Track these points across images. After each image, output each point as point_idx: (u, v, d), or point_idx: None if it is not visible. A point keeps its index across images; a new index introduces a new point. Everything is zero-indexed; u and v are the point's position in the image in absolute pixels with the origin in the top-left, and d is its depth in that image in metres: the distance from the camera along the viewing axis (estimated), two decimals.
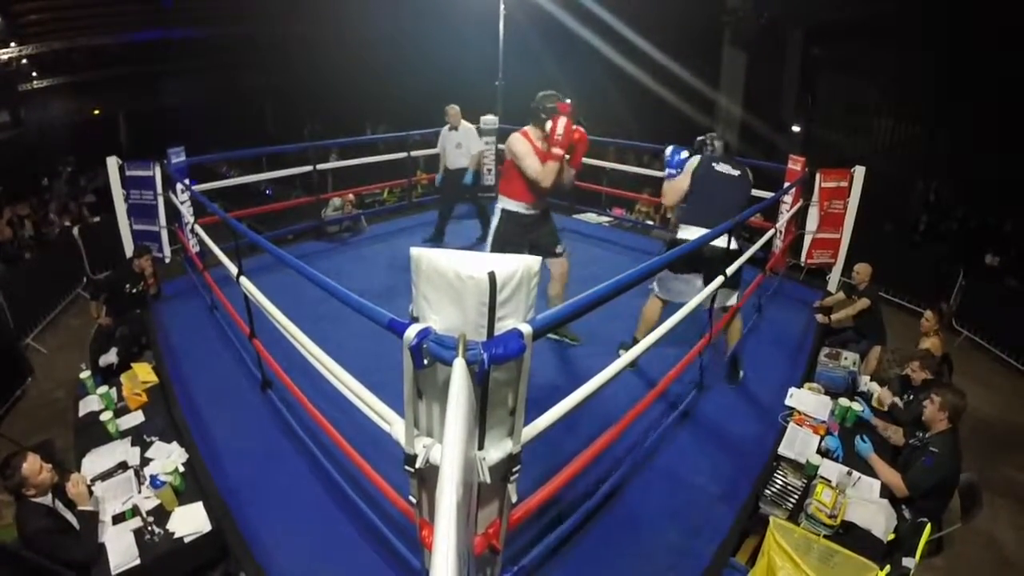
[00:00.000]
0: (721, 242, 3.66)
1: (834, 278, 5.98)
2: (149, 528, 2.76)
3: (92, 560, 2.58)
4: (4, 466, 2.64)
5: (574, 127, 3.94)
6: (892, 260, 7.78)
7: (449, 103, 6.55)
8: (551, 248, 4.27)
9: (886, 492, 3.12)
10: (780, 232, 5.78)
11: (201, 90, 17.80)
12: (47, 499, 2.70)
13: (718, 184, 3.91)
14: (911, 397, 3.82)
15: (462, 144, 6.51)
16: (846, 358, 4.26)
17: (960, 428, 3.23)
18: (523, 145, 3.98)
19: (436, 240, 6.67)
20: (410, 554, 2.54)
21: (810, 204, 5.90)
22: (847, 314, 4.98)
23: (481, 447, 1.70)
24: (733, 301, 4.05)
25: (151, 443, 3.37)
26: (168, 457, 3.17)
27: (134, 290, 4.95)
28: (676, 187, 4.04)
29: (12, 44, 14.03)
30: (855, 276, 5.14)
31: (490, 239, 4.23)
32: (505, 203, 4.14)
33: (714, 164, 3.95)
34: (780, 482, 3.11)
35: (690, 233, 3.86)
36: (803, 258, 6.16)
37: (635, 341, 4.05)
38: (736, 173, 3.95)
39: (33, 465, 2.63)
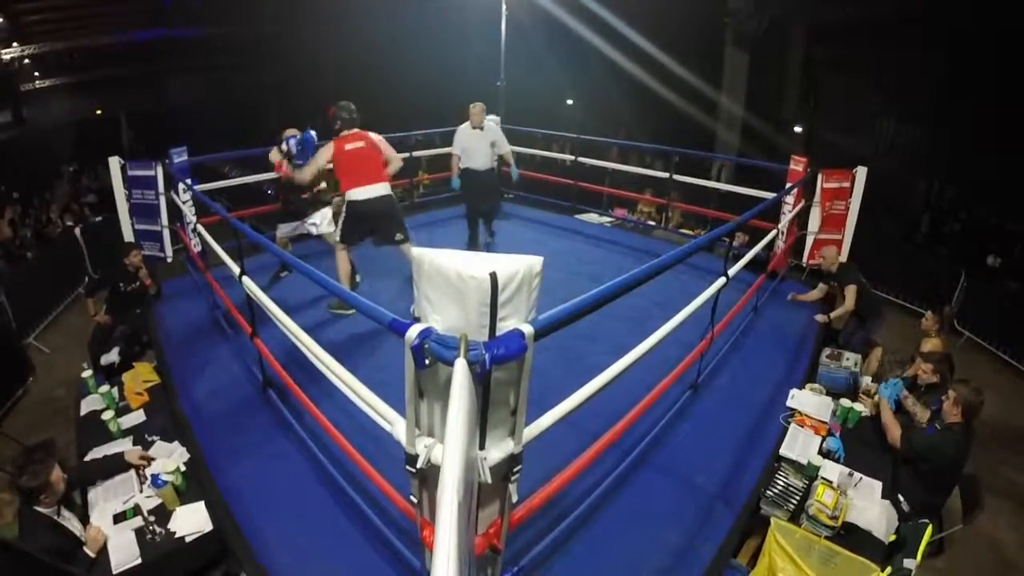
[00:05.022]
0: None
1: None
2: (150, 527, 2.77)
3: None
4: (29, 463, 2.62)
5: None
6: (894, 261, 7.79)
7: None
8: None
9: (887, 493, 3.12)
10: (782, 233, 5.77)
11: (203, 89, 17.83)
12: (52, 510, 2.69)
13: None
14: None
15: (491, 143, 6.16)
16: (847, 359, 4.25)
17: (974, 427, 3.27)
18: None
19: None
20: (411, 554, 2.54)
21: (812, 205, 5.90)
22: (847, 309, 4.95)
23: (482, 447, 1.70)
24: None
25: (152, 442, 3.37)
26: (169, 456, 3.17)
27: (129, 288, 4.95)
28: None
29: (14, 44, 14.07)
30: (823, 261, 5.16)
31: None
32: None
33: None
34: (781, 483, 3.11)
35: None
36: (805, 259, 6.15)
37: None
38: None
39: (58, 473, 2.68)
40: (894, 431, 3.42)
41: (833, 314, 5.05)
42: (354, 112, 4.66)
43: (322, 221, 5.31)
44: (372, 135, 4.70)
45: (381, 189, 4.66)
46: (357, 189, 4.58)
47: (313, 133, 5.03)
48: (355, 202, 4.60)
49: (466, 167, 6.13)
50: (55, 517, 2.70)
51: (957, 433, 3.20)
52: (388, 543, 2.66)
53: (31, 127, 15.44)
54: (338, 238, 4.76)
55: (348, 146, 4.58)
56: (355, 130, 4.66)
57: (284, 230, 5.33)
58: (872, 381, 4.11)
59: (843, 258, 5.88)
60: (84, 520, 2.87)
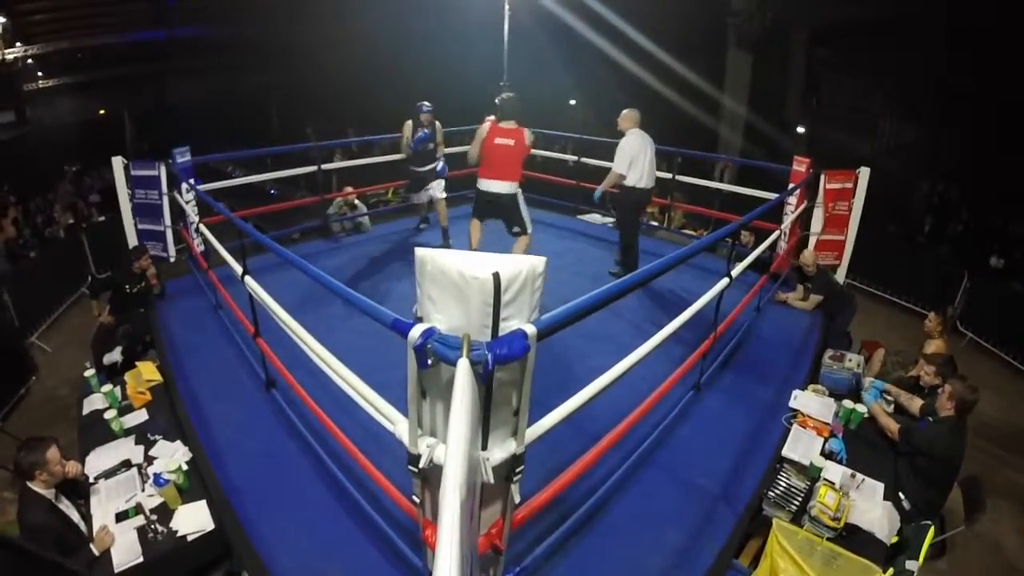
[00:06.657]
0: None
1: (838, 279, 5.97)
2: (152, 526, 2.77)
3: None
4: (28, 440, 2.71)
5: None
6: (897, 262, 7.77)
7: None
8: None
9: (889, 494, 3.12)
10: (784, 233, 5.76)
11: (206, 89, 17.86)
12: (50, 493, 2.73)
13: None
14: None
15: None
16: (850, 360, 4.24)
17: (967, 424, 3.29)
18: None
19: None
20: (413, 554, 2.53)
21: (815, 205, 5.88)
22: (804, 310, 5.24)
23: (485, 447, 1.70)
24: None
25: (155, 441, 3.38)
26: (172, 455, 3.18)
27: (134, 290, 4.96)
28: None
29: (18, 44, 14.11)
30: (801, 263, 5.30)
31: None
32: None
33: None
34: (784, 484, 3.10)
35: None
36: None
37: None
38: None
39: (55, 453, 2.73)
40: (892, 427, 3.45)
41: (792, 299, 5.34)
42: (515, 104, 4.83)
43: (438, 189, 6.16)
44: (526, 135, 4.82)
45: (503, 187, 4.89)
46: (483, 180, 4.94)
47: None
48: (478, 190, 5.01)
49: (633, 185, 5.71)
50: (52, 500, 2.73)
51: (950, 427, 3.22)
52: (390, 542, 2.66)
53: (35, 127, 15.47)
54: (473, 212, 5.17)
55: (498, 139, 4.77)
56: (513, 124, 4.79)
57: (415, 199, 6.36)
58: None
59: (846, 260, 5.89)
60: (86, 519, 2.89)
